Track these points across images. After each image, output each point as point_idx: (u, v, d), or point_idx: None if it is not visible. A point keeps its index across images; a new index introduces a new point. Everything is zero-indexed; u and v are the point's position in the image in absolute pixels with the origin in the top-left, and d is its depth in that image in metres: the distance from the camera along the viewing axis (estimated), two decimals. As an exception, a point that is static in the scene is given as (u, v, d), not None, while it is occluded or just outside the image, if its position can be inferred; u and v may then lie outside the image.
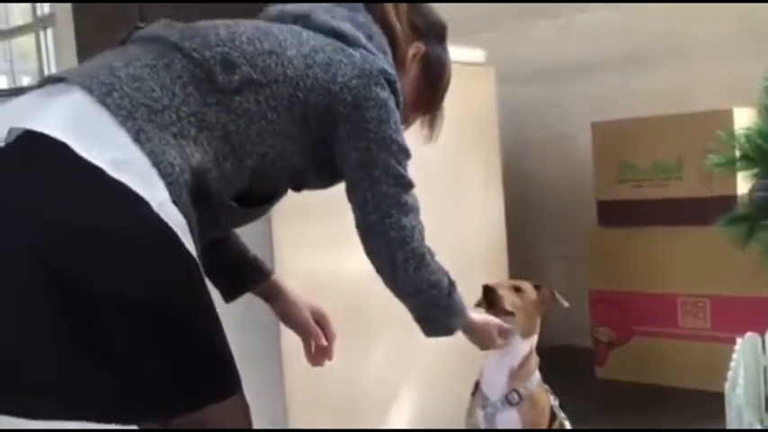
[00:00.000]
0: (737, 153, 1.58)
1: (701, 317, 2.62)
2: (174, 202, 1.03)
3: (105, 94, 1.04)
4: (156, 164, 1.03)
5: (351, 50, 1.23)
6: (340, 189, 1.31)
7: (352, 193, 1.28)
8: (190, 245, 1.05)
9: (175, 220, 1.03)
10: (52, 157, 1.01)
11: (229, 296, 1.44)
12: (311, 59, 1.19)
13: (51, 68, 5.08)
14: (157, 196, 1.02)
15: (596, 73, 3.18)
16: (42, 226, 0.98)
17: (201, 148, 1.09)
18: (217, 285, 1.46)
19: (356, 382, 2.00)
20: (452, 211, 2.25)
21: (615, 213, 2.80)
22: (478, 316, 1.56)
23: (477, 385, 1.71)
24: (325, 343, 1.53)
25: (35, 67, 5.42)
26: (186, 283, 1.05)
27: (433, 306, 1.35)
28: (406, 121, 1.38)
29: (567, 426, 1.73)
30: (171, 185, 1.03)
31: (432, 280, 1.32)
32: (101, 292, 0.98)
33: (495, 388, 1.66)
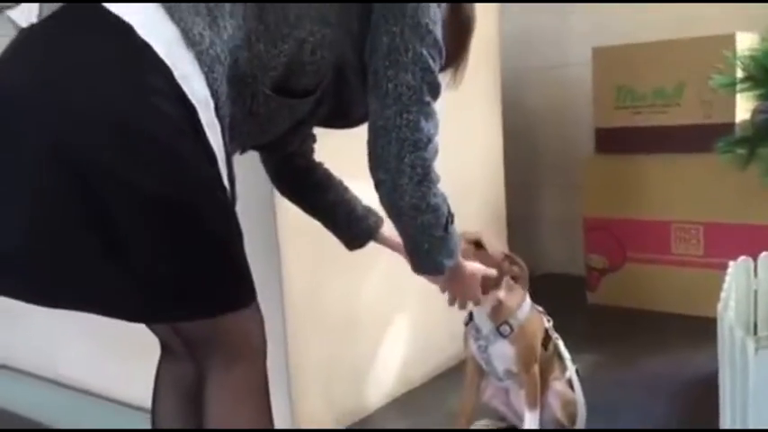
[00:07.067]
0: (741, 74, 1.56)
1: (694, 243, 2.64)
2: (206, 74, 1.01)
3: None
4: (185, 32, 1.00)
5: None
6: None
7: (374, 89, 1.19)
8: (210, 127, 1.02)
9: (198, 95, 1.00)
10: (83, 16, 1.01)
11: (354, 246, 1.52)
12: None
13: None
14: (182, 66, 0.99)
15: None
16: (63, 104, 0.96)
17: (235, 22, 1.06)
18: (340, 236, 1.53)
19: (354, 302, 2.03)
20: (451, 137, 2.23)
21: (612, 140, 2.80)
22: (468, 263, 1.48)
23: (471, 315, 1.72)
24: None
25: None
26: (200, 175, 1.03)
27: (428, 235, 1.26)
28: None
29: (561, 345, 1.77)
30: (201, 55, 1.01)
31: (432, 202, 1.23)
32: (113, 171, 0.96)
33: (484, 323, 1.68)
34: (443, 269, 1.34)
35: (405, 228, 1.27)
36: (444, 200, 1.27)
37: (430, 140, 1.20)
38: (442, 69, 1.35)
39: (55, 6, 1.07)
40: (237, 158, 1.38)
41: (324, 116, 1.28)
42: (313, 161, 1.51)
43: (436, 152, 1.23)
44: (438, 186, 1.25)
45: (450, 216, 1.29)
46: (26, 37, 1.07)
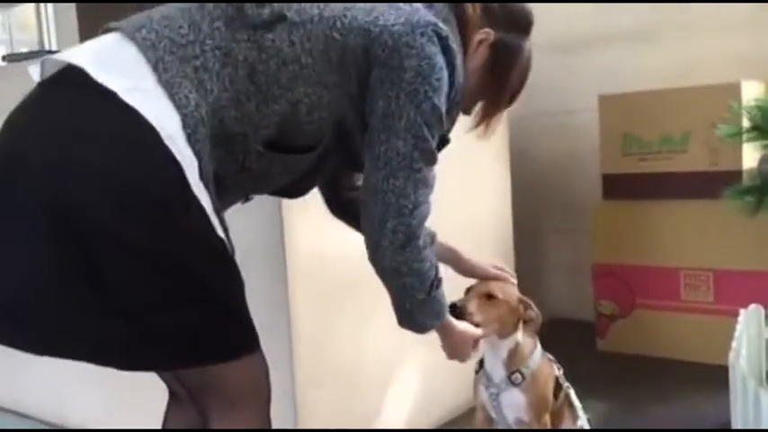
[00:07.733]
0: (747, 124, 1.57)
1: (704, 290, 2.63)
2: (189, 135, 1.03)
3: (135, 31, 1.07)
4: (172, 95, 1.03)
5: (401, 5, 1.15)
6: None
7: (368, 148, 1.16)
8: (197, 185, 1.04)
9: (184, 155, 1.02)
10: (74, 85, 1.05)
11: None
12: (351, 4, 1.13)
13: (51, 39, 5.04)
14: (168, 127, 1.02)
15: (604, 46, 3.17)
16: (57, 162, 1.00)
17: (222, 84, 1.06)
18: None
19: (362, 350, 2.02)
20: (459, 185, 2.25)
21: (620, 187, 2.81)
22: (459, 323, 1.42)
23: (481, 363, 1.70)
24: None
25: (34, 39, 5.38)
26: (192, 227, 1.05)
27: (408, 296, 1.23)
28: (464, 111, 1.31)
29: (572, 394, 1.75)
30: (186, 117, 1.03)
31: (414, 266, 1.20)
32: (105, 227, 0.99)
33: (497, 370, 1.66)
34: (426, 329, 1.31)
35: (387, 285, 1.25)
36: (432, 265, 1.24)
37: (416, 207, 1.17)
38: (482, 120, 1.35)
39: (54, 68, 1.11)
40: (248, 207, 1.40)
41: (334, 166, 1.29)
42: (357, 186, 1.47)
43: (425, 217, 1.20)
44: (426, 251, 1.22)
45: (437, 280, 1.26)
46: (29, 98, 1.11)
